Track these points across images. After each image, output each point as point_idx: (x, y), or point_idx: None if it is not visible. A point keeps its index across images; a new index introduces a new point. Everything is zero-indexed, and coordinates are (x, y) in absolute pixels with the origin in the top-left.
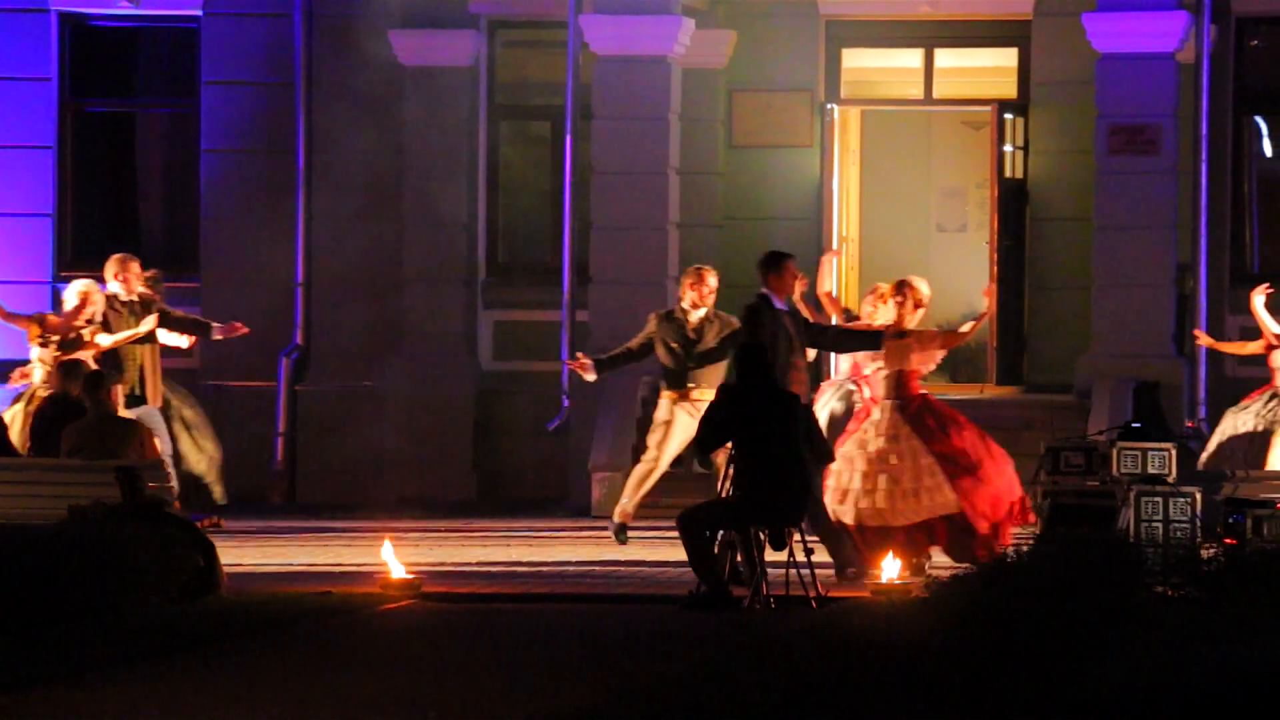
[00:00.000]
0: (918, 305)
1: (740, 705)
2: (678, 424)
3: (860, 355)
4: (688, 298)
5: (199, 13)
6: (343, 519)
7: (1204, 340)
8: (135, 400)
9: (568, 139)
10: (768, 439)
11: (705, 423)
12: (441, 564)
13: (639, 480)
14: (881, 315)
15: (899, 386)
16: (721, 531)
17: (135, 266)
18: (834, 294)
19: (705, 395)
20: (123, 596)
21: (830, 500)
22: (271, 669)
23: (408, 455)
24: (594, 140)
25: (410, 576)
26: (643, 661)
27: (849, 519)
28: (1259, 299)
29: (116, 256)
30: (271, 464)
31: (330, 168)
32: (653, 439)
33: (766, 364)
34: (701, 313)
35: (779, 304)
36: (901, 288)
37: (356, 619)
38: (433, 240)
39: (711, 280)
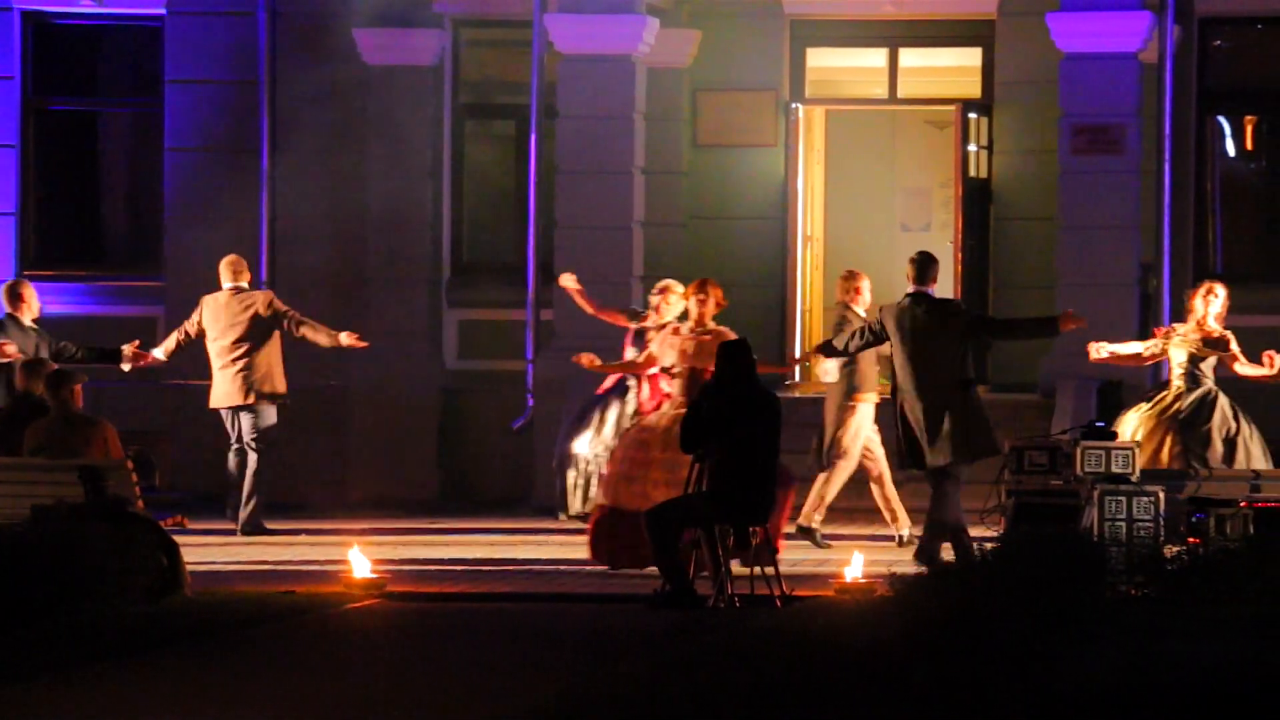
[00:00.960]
0: (719, 305)
1: (705, 704)
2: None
3: (658, 350)
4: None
5: (162, 11)
6: (307, 518)
7: (1098, 352)
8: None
9: (532, 138)
10: (747, 439)
11: (688, 420)
12: (406, 563)
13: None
14: (670, 312)
15: (694, 387)
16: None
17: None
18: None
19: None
20: (85, 596)
21: (597, 487)
22: (235, 669)
23: (372, 454)
24: (559, 139)
25: (375, 576)
26: (607, 661)
27: (607, 500)
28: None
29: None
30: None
31: (294, 167)
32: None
33: (751, 363)
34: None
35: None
36: (704, 286)
37: (320, 618)
38: (397, 239)
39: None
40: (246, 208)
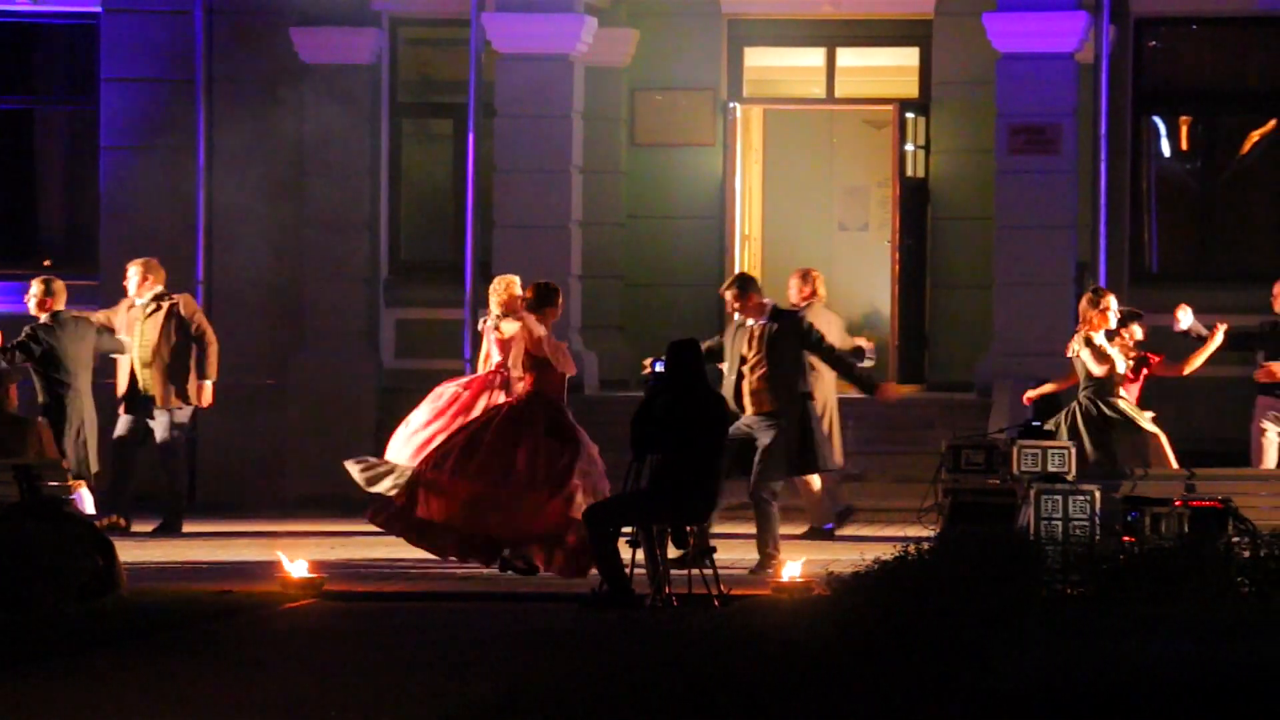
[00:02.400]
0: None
1: (642, 704)
2: None
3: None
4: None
5: (99, 9)
6: (244, 518)
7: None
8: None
9: (470, 137)
10: (691, 438)
11: (639, 421)
12: (344, 563)
13: None
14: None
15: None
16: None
17: None
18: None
19: None
20: (20, 596)
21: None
22: (171, 669)
23: (310, 453)
24: (496, 138)
25: (312, 575)
26: (545, 660)
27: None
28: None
29: None
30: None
31: (231, 165)
32: None
33: (701, 362)
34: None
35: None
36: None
37: (257, 618)
38: (335, 238)
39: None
40: (183, 207)
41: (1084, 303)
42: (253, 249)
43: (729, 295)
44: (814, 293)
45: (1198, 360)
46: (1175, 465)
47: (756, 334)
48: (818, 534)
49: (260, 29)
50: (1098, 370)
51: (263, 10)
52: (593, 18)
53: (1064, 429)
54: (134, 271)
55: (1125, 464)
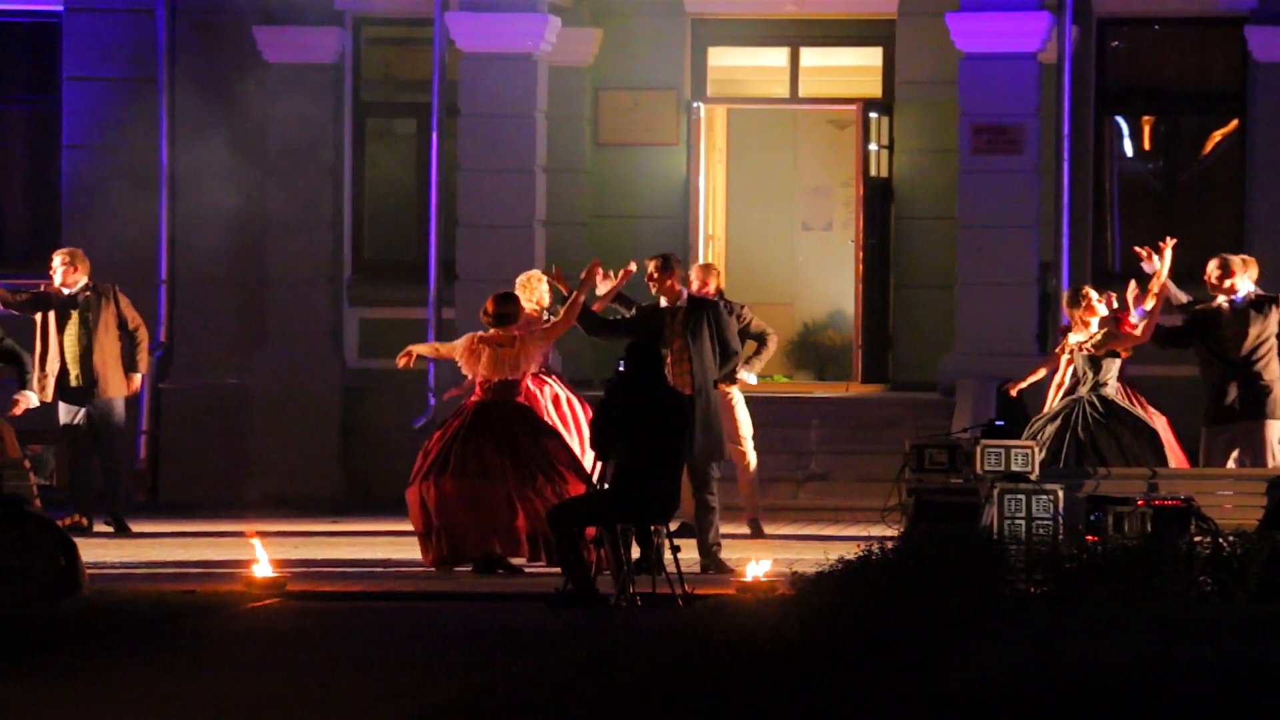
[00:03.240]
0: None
1: (606, 703)
2: None
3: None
4: None
5: (60, 8)
6: (207, 518)
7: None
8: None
9: (433, 136)
10: (652, 438)
11: (598, 421)
12: (307, 562)
13: None
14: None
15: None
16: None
17: None
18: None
19: None
20: None
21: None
22: (134, 669)
23: (273, 453)
24: (460, 138)
25: (275, 575)
26: (509, 659)
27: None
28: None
29: None
30: (135, 462)
31: (194, 164)
32: None
33: (660, 361)
34: None
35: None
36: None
37: (221, 618)
38: (298, 237)
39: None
40: (145, 205)
41: (1065, 305)
42: (215, 248)
43: (650, 265)
44: (716, 288)
45: (1150, 299)
46: (1182, 455)
47: (678, 318)
48: (757, 528)
49: (223, 28)
50: (1120, 346)
51: (225, 9)
52: (556, 17)
53: (1075, 424)
54: (59, 261)
55: (1136, 455)
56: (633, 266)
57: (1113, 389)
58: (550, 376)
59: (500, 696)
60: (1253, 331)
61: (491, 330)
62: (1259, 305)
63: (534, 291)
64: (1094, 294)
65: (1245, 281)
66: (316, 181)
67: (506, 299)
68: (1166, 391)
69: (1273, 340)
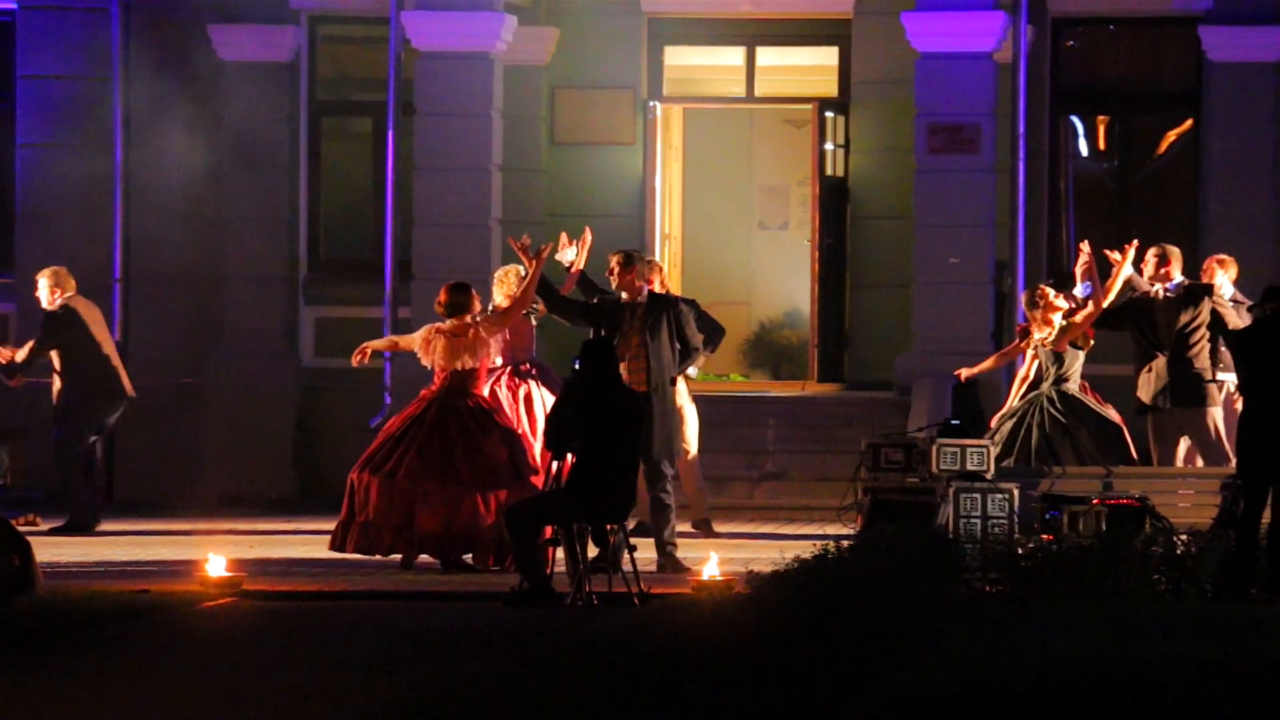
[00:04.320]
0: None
1: (561, 702)
2: None
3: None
4: None
5: (14, 6)
6: (162, 517)
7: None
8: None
9: (390, 135)
10: (608, 437)
11: (553, 420)
12: (263, 561)
13: None
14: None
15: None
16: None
17: None
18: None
19: None
20: None
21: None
22: (89, 669)
23: (228, 452)
24: (416, 136)
25: (230, 574)
26: (464, 658)
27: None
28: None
29: None
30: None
31: (149, 162)
32: None
33: (615, 359)
34: None
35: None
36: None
37: (175, 617)
38: (254, 236)
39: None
40: (100, 205)
41: (1025, 305)
42: (170, 247)
43: (612, 260)
44: (661, 285)
45: (1113, 291)
46: (1135, 455)
47: (637, 314)
48: (706, 526)
49: (178, 26)
50: (1080, 345)
51: (180, 7)
52: (512, 16)
53: (1036, 417)
54: (44, 283)
55: (1091, 454)
56: (588, 235)
57: (1075, 384)
58: (532, 375)
59: (455, 696)
60: (1181, 319)
61: (447, 321)
62: (1192, 294)
63: (509, 286)
64: (1051, 292)
65: (1222, 278)
66: (272, 180)
67: (458, 288)
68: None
69: (1204, 330)
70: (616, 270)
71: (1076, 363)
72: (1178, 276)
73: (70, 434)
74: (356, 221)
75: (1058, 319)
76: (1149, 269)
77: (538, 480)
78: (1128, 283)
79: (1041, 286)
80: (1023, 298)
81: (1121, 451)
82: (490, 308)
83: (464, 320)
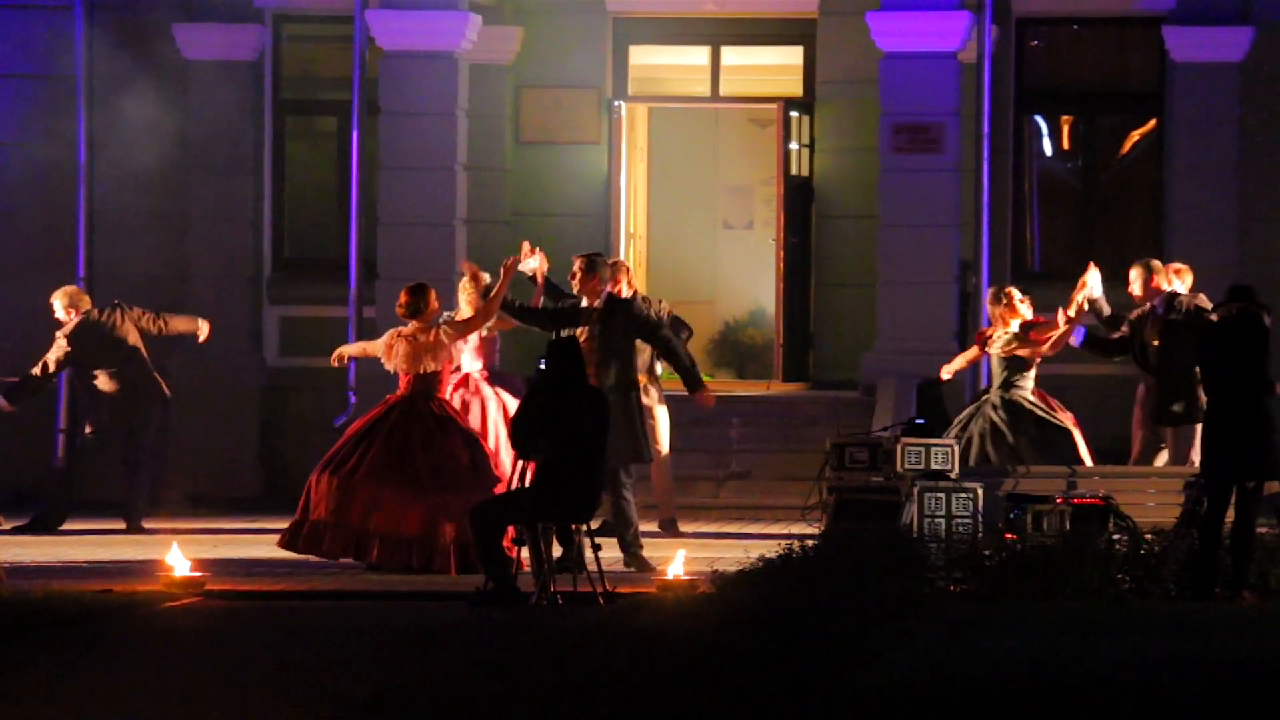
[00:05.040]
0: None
1: (525, 701)
2: None
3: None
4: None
5: None
6: (126, 516)
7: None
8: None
9: (354, 134)
10: (574, 437)
11: (519, 419)
12: (227, 561)
13: None
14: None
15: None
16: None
17: None
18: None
19: None
20: None
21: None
22: (50, 668)
23: (193, 452)
24: (381, 135)
25: (194, 574)
26: (428, 658)
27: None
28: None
29: None
30: (52, 461)
31: (113, 162)
32: None
33: (580, 359)
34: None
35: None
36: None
37: (138, 617)
38: (218, 236)
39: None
40: (64, 204)
41: (989, 302)
42: (135, 246)
43: (576, 264)
44: (629, 285)
45: (1047, 345)
46: (1089, 460)
47: (594, 318)
48: (671, 526)
49: (142, 25)
50: (1025, 353)
51: (144, 6)
52: (477, 15)
53: (980, 424)
54: (59, 304)
55: (1040, 457)
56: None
57: (1027, 389)
58: (491, 382)
59: (419, 696)
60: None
61: (409, 324)
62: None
63: (469, 293)
64: (1017, 294)
65: (1179, 286)
66: (236, 179)
67: (417, 290)
68: (1078, 390)
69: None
70: (579, 275)
71: (1028, 369)
72: (1167, 288)
73: (96, 438)
74: (321, 221)
75: (1015, 324)
76: (1136, 286)
77: (499, 487)
78: (1087, 304)
79: (1009, 287)
80: (988, 294)
81: (1069, 458)
82: (454, 312)
83: (425, 322)
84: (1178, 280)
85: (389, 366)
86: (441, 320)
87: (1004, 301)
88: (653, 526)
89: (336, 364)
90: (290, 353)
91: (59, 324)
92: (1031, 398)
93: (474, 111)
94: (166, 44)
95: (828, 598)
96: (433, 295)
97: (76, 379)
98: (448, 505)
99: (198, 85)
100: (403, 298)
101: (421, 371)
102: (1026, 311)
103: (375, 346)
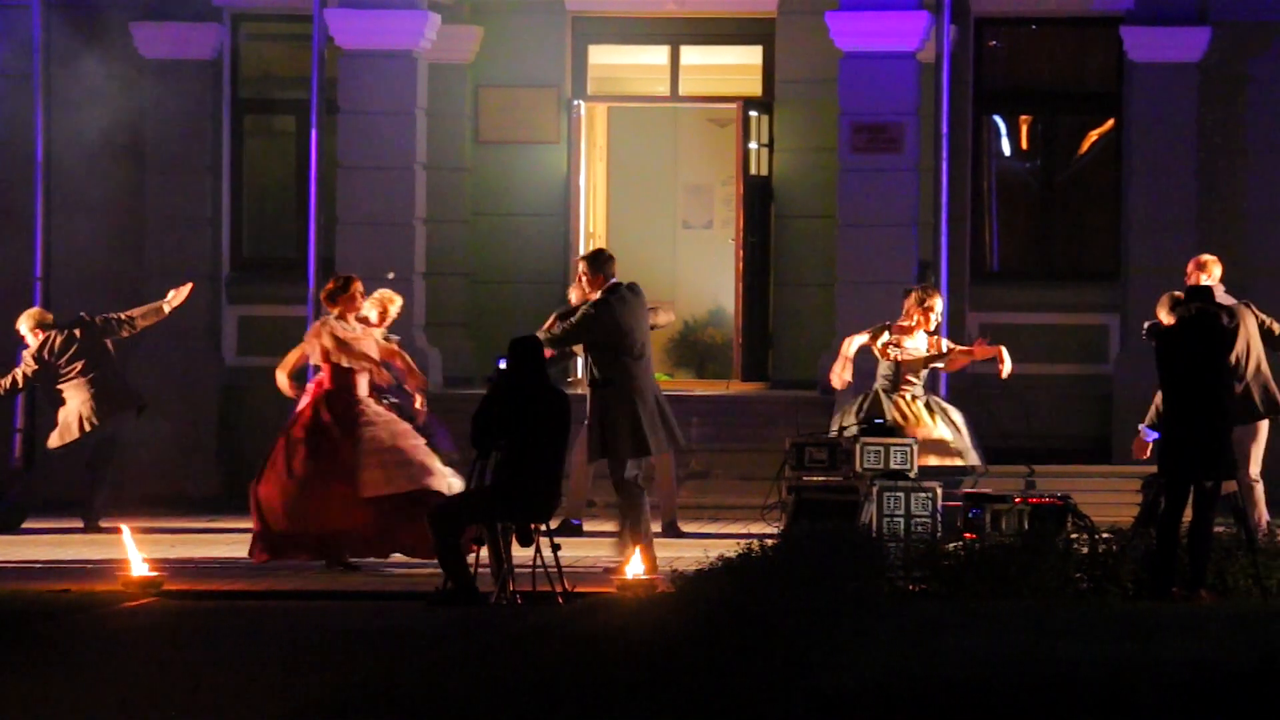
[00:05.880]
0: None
1: (483, 701)
2: None
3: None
4: None
5: None
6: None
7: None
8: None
9: (313, 133)
10: (534, 436)
11: (480, 417)
12: (185, 561)
13: None
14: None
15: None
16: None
17: None
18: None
19: None
20: None
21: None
22: (7, 668)
23: (151, 451)
24: (340, 135)
25: (151, 574)
26: (386, 658)
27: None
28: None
29: None
30: (10, 461)
31: (70, 162)
32: None
33: (542, 358)
34: None
35: None
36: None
37: (96, 617)
38: (176, 235)
39: None
40: (20, 203)
41: (911, 300)
42: (92, 245)
43: (580, 266)
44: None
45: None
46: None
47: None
48: (568, 527)
49: (100, 23)
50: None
51: (102, 4)
52: (436, 14)
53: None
54: (24, 326)
55: None
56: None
57: (915, 392)
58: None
59: (376, 695)
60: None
61: (333, 313)
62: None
63: (385, 306)
64: (939, 303)
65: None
66: (195, 178)
67: (336, 278)
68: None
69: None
70: (585, 276)
71: (911, 377)
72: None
73: (67, 450)
74: (280, 220)
75: (920, 334)
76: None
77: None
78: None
79: (934, 292)
80: (912, 296)
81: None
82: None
83: (348, 312)
84: (1204, 275)
85: (314, 360)
86: (383, 334)
87: (924, 304)
88: (654, 527)
89: (293, 394)
90: (249, 352)
91: (26, 346)
92: (909, 406)
93: (433, 111)
94: (124, 42)
95: (787, 597)
96: (356, 286)
97: (44, 394)
98: (392, 491)
99: (156, 84)
100: (329, 284)
101: (342, 365)
102: (932, 323)
103: (301, 346)
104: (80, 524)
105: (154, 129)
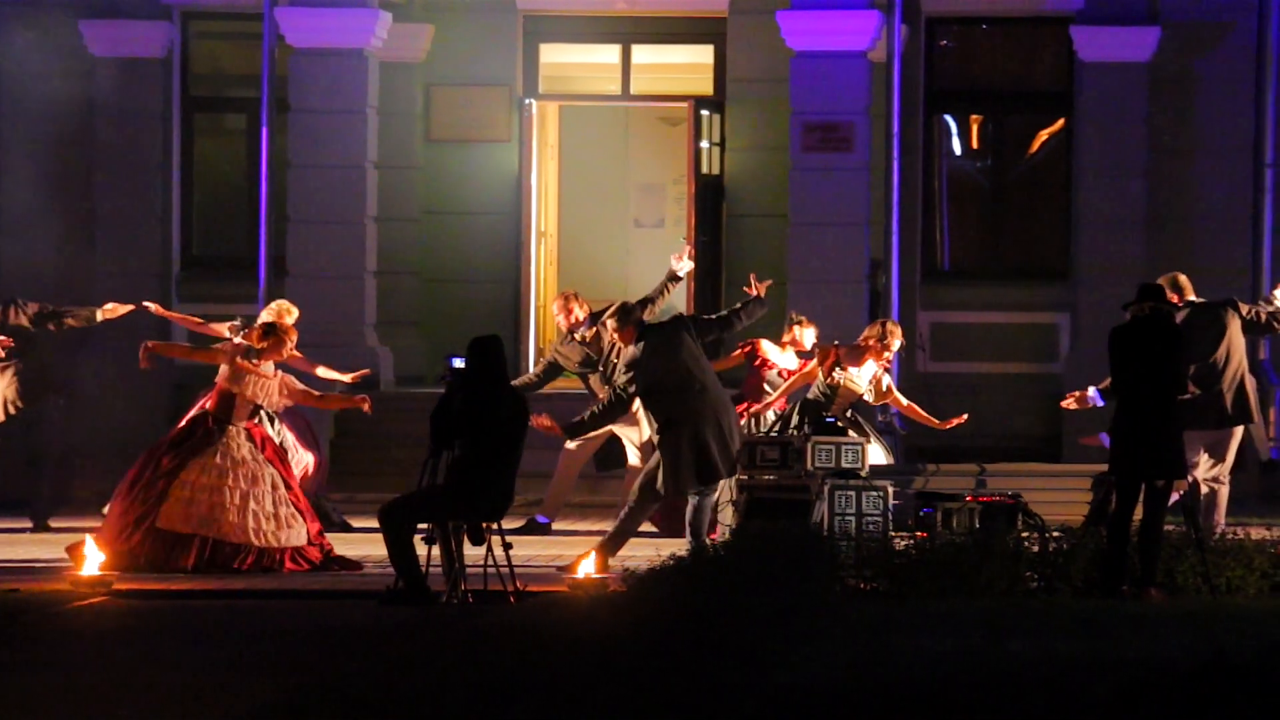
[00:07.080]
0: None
1: (434, 701)
2: None
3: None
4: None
5: None
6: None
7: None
8: None
9: (263, 132)
10: (492, 436)
11: (438, 416)
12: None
13: None
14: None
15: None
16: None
17: None
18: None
19: None
20: None
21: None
22: None
23: (102, 450)
24: (290, 133)
25: (101, 573)
26: (338, 657)
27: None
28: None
29: None
30: None
31: (20, 161)
32: None
33: (501, 358)
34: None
35: None
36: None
37: (45, 617)
38: (126, 233)
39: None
40: None
41: (875, 329)
42: (43, 244)
43: (610, 324)
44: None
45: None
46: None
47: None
48: (534, 526)
49: (48, 21)
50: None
51: (51, 2)
52: (387, 12)
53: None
54: None
55: None
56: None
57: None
58: (277, 424)
59: (327, 695)
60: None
61: (257, 347)
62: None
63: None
64: (896, 345)
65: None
66: (145, 176)
67: (280, 329)
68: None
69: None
70: (615, 332)
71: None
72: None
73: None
74: (230, 218)
75: (791, 353)
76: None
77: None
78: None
79: (803, 318)
80: (877, 327)
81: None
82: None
83: (258, 348)
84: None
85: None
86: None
87: (885, 341)
88: (650, 527)
89: (241, 337)
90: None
91: None
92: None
93: (384, 109)
94: (73, 40)
95: (739, 596)
96: (290, 339)
97: None
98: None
99: (105, 82)
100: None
101: (230, 391)
102: (808, 340)
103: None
104: (29, 524)
105: (104, 127)
